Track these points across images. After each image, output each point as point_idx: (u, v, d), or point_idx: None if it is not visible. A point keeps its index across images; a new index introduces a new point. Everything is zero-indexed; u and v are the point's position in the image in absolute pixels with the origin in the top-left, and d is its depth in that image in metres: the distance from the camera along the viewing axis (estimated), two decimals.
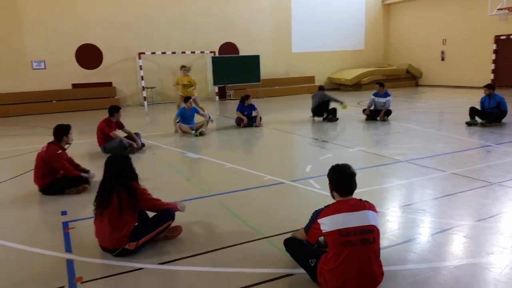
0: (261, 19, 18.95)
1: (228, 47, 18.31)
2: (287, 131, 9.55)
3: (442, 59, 19.82)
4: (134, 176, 3.53)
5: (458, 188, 4.80)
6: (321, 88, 10.92)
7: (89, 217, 4.17)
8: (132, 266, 3.23)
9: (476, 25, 17.94)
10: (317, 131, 9.21)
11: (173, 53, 16.81)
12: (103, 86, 16.17)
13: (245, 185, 5.28)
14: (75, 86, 15.76)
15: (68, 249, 3.60)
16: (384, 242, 3.40)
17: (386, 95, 10.18)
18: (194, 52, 17.32)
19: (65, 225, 4.16)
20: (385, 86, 10.43)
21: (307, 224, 2.90)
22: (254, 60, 17.74)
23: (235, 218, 4.18)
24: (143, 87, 16.48)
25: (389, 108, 10.14)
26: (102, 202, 3.34)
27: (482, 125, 8.71)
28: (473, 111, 8.93)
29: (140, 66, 16.29)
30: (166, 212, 3.62)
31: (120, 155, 3.65)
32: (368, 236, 2.69)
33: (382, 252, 3.00)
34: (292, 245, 3.07)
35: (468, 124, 8.85)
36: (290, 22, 19.77)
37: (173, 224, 3.68)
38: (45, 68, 15.28)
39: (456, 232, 3.67)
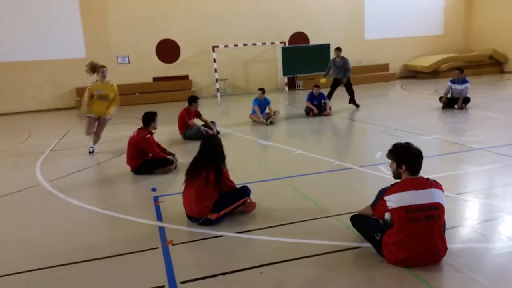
0: (333, 7, 18.80)
1: (299, 37, 18.45)
2: (358, 119, 9.58)
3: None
4: (223, 158, 4.00)
5: None
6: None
7: (176, 193, 4.77)
8: (214, 234, 3.68)
9: None
10: (389, 120, 9.12)
11: (245, 45, 17.38)
12: (180, 79, 17.25)
13: (314, 169, 5.54)
14: (155, 79, 17.02)
15: (159, 218, 4.16)
16: (452, 222, 3.48)
17: (464, 81, 9.74)
18: (264, 44, 17.74)
19: (156, 199, 4.75)
20: (464, 72, 9.97)
21: (373, 201, 3.11)
22: (324, 49, 17.70)
23: (304, 199, 4.48)
24: (216, 79, 17.29)
25: (468, 96, 9.69)
26: (193, 174, 3.86)
27: None
28: None
29: (214, 59, 17.08)
30: (243, 189, 4.04)
31: (216, 137, 4.18)
32: (433, 213, 2.84)
33: (449, 231, 3.12)
34: (359, 220, 3.30)
35: None
36: (363, 8, 19.35)
37: (249, 200, 4.09)
38: (129, 63, 16.69)
39: None
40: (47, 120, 13.71)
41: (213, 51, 17.02)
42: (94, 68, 6.97)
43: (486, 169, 5.07)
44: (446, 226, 3.06)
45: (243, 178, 4.47)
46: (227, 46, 17.23)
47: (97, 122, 7.21)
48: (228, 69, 17.76)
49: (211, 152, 3.93)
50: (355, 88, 11.42)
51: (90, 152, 7.23)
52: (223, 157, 4.01)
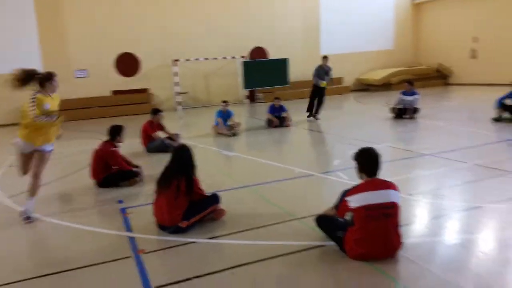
0: (290, 23, 19.47)
1: (258, 52, 18.91)
2: (316, 130, 10.00)
3: (473, 57, 19.66)
4: (194, 168, 4.13)
5: (478, 177, 5.14)
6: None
7: (143, 204, 4.85)
8: (185, 241, 3.80)
9: (507, 22, 17.74)
10: (345, 130, 9.60)
11: (206, 59, 17.59)
12: (140, 92, 17.12)
13: (277, 177, 5.79)
14: (115, 92, 16.79)
15: (129, 229, 4.22)
16: (406, 219, 3.81)
17: (413, 93, 10.45)
18: (225, 58, 18.04)
19: (123, 210, 4.79)
20: (414, 85, 10.71)
21: (336, 201, 3.38)
22: (282, 63, 18.26)
23: (270, 204, 4.70)
24: (177, 92, 17.31)
25: (417, 106, 10.40)
26: (164, 183, 3.95)
27: (509, 120, 8.86)
28: (502, 107, 9.06)
29: (175, 73, 17.14)
30: (213, 197, 4.20)
31: (187, 148, 4.24)
32: (390, 211, 3.15)
33: (403, 227, 3.44)
34: (323, 220, 3.55)
35: (495, 120, 9.01)
36: (319, 25, 20.17)
37: (218, 208, 4.25)
38: (87, 76, 16.39)
39: (469, 212, 4.04)
40: (2, 135, 13.15)
41: (174, 64, 17.08)
42: (30, 77, 4.45)
43: (434, 173, 5.54)
44: (401, 223, 3.37)
45: (211, 187, 4.62)
46: (188, 59, 17.36)
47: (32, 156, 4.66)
48: (189, 82, 17.85)
49: (182, 162, 4.06)
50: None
51: (26, 219, 4.53)
52: (194, 166, 4.15)
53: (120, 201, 5.15)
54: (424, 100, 13.26)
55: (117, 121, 6.68)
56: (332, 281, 3.00)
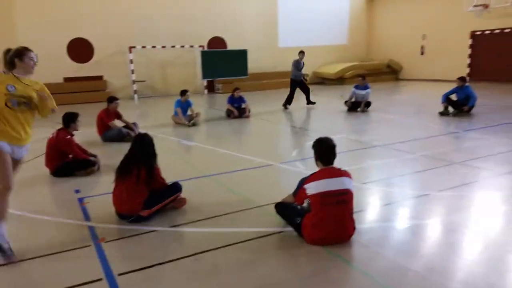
0: (249, 14, 19.51)
1: (217, 42, 18.82)
2: (275, 121, 10.19)
3: (422, 54, 20.70)
4: (155, 156, 4.12)
5: (425, 166, 5.51)
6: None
7: (101, 194, 4.79)
8: (146, 229, 3.82)
9: (453, 21, 18.82)
10: (303, 121, 9.86)
11: (163, 47, 17.26)
12: (94, 80, 16.53)
13: (238, 167, 5.89)
14: (67, 80, 16.10)
15: (88, 218, 4.16)
16: (359, 206, 4.05)
17: (366, 87, 10.89)
18: (183, 46, 17.79)
19: (81, 200, 4.70)
20: (366, 79, 11.16)
21: (295, 189, 3.53)
22: (242, 54, 18.30)
23: (230, 193, 4.80)
24: (133, 80, 16.89)
25: (369, 100, 10.86)
26: (124, 172, 3.93)
27: (454, 115, 9.50)
28: (447, 102, 9.69)
29: (131, 60, 16.69)
30: (175, 186, 4.23)
31: (148, 136, 4.21)
32: (344, 198, 3.34)
33: (357, 214, 3.66)
34: (282, 207, 3.70)
35: (441, 114, 9.62)
36: (277, 17, 20.37)
37: (180, 196, 4.29)
38: (37, 61, 15.57)
39: (418, 200, 4.36)
40: None
41: (130, 51, 16.62)
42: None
43: (385, 163, 5.87)
44: (354, 210, 3.59)
45: (171, 176, 4.64)
46: (144, 47, 16.95)
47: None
48: (146, 71, 17.46)
49: (143, 150, 4.05)
50: (271, 92, 12.07)
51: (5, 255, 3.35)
52: (154, 155, 4.15)
53: (77, 191, 5.04)
54: (375, 94, 13.86)
55: (70, 109, 6.44)
56: (289, 265, 3.15)
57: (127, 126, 8.28)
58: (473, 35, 18.38)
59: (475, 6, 17.27)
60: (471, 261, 3.08)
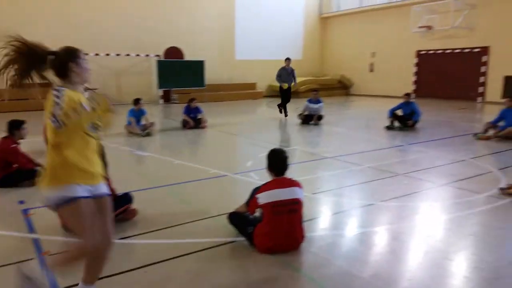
0: (207, 26, 19.60)
1: (174, 51, 18.70)
2: (231, 132, 10.26)
3: (371, 71, 21.73)
4: (106, 165, 4.02)
5: (371, 177, 5.79)
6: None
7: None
8: None
9: (400, 41, 19.95)
10: (258, 133, 10.02)
11: (118, 55, 16.90)
12: (43, 86, 15.80)
13: (192, 177, 5.88)
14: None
15: (32, 230, 3.99)
16: (309, 215, 4.18)
17: (318, 101, 11.28)
18: (139, 55, 17.53)
19: (25, 211, 4.50)
20: (319, 93, 11.56)
21: (247, 199, 3.61)
22: (199, 65, 18.30)
23: (184, 204, 4.79)
24: (85, 88, 16.35)
25: (321, 114, 11.24)
26: None
27: (400, 129, 10.05)
28: (394, 117, 10.24)
29: None
30: (125, 197, 4.16)
31: (100, 145, 4.08)
32: (294, 207, 3.45)
33: (307, 223, 3.78)
34: (234, 217, 3.76)
35: (387, 128, 10.15)
36: (234, 30, 20.62)
37: (130, 208, 4.22)
38: None
39: (364, 209, 4.58)
40: None
41: None
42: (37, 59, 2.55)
43: (335, 174, 6.11)
44: (305, 218, 3.71)
45: (122, 187, 4.56)
46: (97, 54, 16.52)
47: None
48: (99, 79, 16.97)
49: None
50: (227, 103, 12.16)
51: None
52: (106, 165, 4.06)
53: (21, 202, 4.82)
54: (327, 108, 14.34)
55: (17, 116, 6.16)
56: (241, 274, 3.20)
57: None
58: (418, 54, 19.56)
59: (420, 27, 18.44)
60: (413, 267, 3.28)
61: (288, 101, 12.35)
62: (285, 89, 12.19)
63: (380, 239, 3.87)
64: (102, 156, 4.05)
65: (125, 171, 6.39)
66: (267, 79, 21.85)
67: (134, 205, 4.28)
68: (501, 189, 4.98)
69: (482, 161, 6.71)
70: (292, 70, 12.32)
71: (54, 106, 2.28)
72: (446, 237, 3.84)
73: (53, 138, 2.31)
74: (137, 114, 9.69)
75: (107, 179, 3.99)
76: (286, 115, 12.34)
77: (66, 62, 2.53)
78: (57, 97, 2.33)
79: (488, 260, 3.31)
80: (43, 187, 2.44)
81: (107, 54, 16.70)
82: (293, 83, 12.36)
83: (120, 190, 4.26)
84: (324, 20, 23.94)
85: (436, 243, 3.69)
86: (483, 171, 6.09)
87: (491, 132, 8.69)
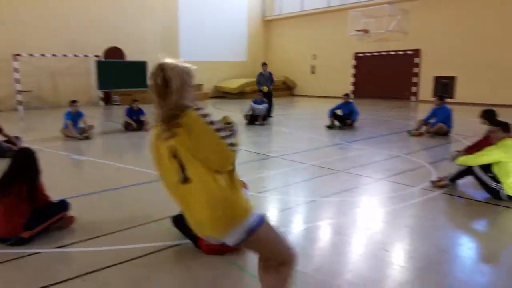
0: (149, 27, 19.14)
1: (114, 52, 18.06)
2: None
3: (313, 72, 22.41)
4: (38, 172, 3.79)
5: (313, 175, 5.96)
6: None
7: None
8: (28, 252, 3.49)
9: (339, 44, 20.76)
10: None
11: (54, 55, 16.01)
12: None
13: (134, 181, 5.69)
14: None
15: None
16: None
17: (263, 102, 11.43)
18: (76, 55, 16.72)
19: None
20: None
21: None
22: (141, 66, 17.80)
23: (125, 208, 4.63)
24: (18, 90, 15.33)
25: (267, 114, 11.39)
26: (3, 190, 3.55)
27: (339, 128, 10.44)
28: (334, 116, 10.62)
29: (15, 69, 15.14)
30: (61, 204, 3.94)
31: (30, 150, 3.86)
32: None
33: None
34: (178, 219, 3.68)
35: (328, 127, 10.51)
36: (178, 31, 20.32)
37: (67, 215, 4.01)
38: None
39: (308, 205, 4.70)
40: None
41: (15, 59, 15.07)
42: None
43: (280, 172, 6.22)
44: None
45: (58, 194, 4.32)
46: (32, 55, 15.53)
47: None
48: (34, 80, 15.99)
49: (25, 165, 3.71)
50: None
51: None
52: (37, 170, 3.83)
53: None
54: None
55: None
56: (186, 277, 3.16)
57: (9, 140, 7.48)
58: (356, 57, 20.45)
59: (357, 30, 19.29)
60: (353, 259, 3.41)
61: (270, 105, 12.42)
62: (265, 92, 12.41)
63: (323, 233, 3.99)
64: (34, 162, 3.82)
65: (61, 177, 6.06)
66: (213, 80, 21.78)
67: (71, 212, 4.08)
68: (432, 182, 5.34)
69: (415, 156, 7.16)
70: (270, 74, 12.76)
71: (215, 127, 2.03)
72: (384, 229, 4.04)
73: (228, 166, 2.08)
74: (74, 116, 9.23)
75: (39, 185, 3.78)
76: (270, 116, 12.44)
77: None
78: (207, 116, 2.06)
79: (421, 249, 3.53)
80: (220, 234, 2.07)
81: (42, 55, 15.76)
82: (266, 87, 12.65)
83: (55, 197, 4.04)
84: (267, 23, 24.30)
85: (374, 235, 3.87)
86: (416, 165, 6.49)
87: (423, 129, 9.28)
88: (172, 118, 1.95)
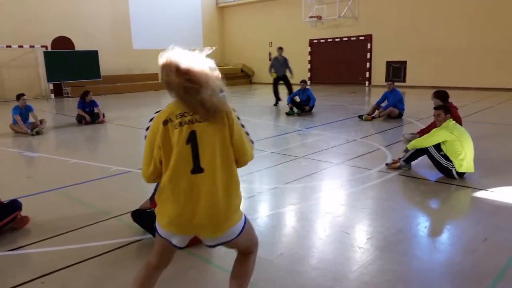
0: (98, 13, 18.35)
1: (62, 41, 17.21)
2: (132, 126, 9.82)
3: (270, 60, 22.44)
4: None
5: (275, 162, 6.02)
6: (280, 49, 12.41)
7: None
8: None
9: (295, 30, 20.89)
10: None
11: None
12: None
13: (91, 176, 5.51)
14: None
15: None
16: None
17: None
18: (22, 46, 15.76)
19: None
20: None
21: (152, 194, 3.49)
22: (92, 56, 17.11)
23: (83, 206, 4.47)
24: None
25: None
26: None
27: (298, 114, 10.58)
28: (292, 103, 10.73)
29: None
30: (12, 204, 3.74)
31: None
32: None
33: None
34: (139, 214, 3.62)
35: (287, 114, 10.62)
36: (129, 19, 19.62)
37: (20, 215, 3.81)
38: None
39: (271, 192, 4.75)
40: None
41: None
42: None
43: None
44: None
45: (9, 194, 4.10)
46: None
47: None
48: None
49: None
50: (126, 96, 11.59)
51: None
52: None
53: None
54: (232, 97, 14.54)
55: None
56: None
57: None
58: (311, 43, 20.69)
59: (310, 17, 19.47)
60: (316, 243, 3.49)
61: (289, 90, 12.14)
62: (274, 78, 12.23)
63: (286, 220, 4.05)
64: None
65: (12, 175, 5.75)
66: None
67: (25, 212, 3.89)
68: (387, 164, 5.55)
69: (371, 140, 7.39)
70: (285, 60, 12.21)
71: (242, 128, 2.14)
72: (344, 212, 4.16)
73: (248, 161, 2.23)
74: (23, 111, 8.75)
75: None
76: (276, 103, 12.52)
77: None
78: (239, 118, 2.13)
79: (379, 230, 3.67)
80: (220, 231, 2.05)
81: None
82: (289, 73, 12.30)
83: (7, 197, 3.83)
84: (221, 10, 23.99)
85: (335, 218, 3.98)
86: (372, 148, 6.72)
87: (376, 113, 9.59)
88: (219, 111, 1.99)
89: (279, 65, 12.43)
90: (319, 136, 7.89)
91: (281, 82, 12.48)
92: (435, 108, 5.29)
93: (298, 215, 4.10)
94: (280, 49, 12.53)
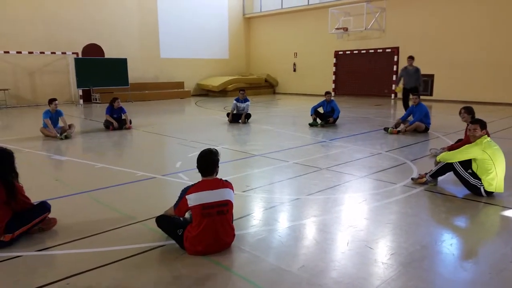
0: (128, 23, 18.88)
1: (93, 49, 17.75)
2: (158, 133, 10.00)
3: (294, 70, 22.51)
4: (15, 173, 3.70)
5: (297, 173, 6.00)
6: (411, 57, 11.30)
7: None
8: (9, 256, 3.42)
9: (320, 42, 20.90)
10: (186, 133, 9.88)
11: (30, 52, 15.62)
12: None
13: (117, 181, 5.63)
14: None
15: None
16: (239, 213, 4.23)
17: (245, 100, 11.43)
18: (54, 53, 16.36)
19: None
20: (246, 92, 11.71)
21: (176, 201, 3.54)
22: (121, 63, 17.57)
23: (109, 210, 4.57)
24: None
25: (249, 112, 11.39)
26: None
27: (321, 125, 10.53)
28: (316, 114, 10.70)
29: None
30: (42, 205, 3.86)
31: (7, 150, 3.76)
32: (223, 209, 3.45)
33: (237, 221, 3.82)
34: (163, 220, 3.67)
35: (310, 125, 10.59)
36: (158, 28, 20.09)
37: (48, 217, 3.94)
38: None
39: (292, 203, 4.74)
40: None
41: None
42: None
43: (263, 171, 6.23)
44: (235, 217, 3.74)
45: (39, 196, 4.24)
46: (7, 52, 15.11)
47: None
48: (11, 78, 15.57)
49: (1, 167, 3.62)
50: (153, 103, 11.82)
51: None
52: (15, 172, 3.74)
53: None
54: (255, 106, 14.62)
55: None
56: (170, 278, 3.13)
57: None
58: (336, 55, 20.63)
59: (337, 28, 19.45)
60: (337, 257, 3.45)
61: (406, 105, 11.05)
62: (403, 90, 11.23)
63: (307, 232, 4.03)
64: (11, 163, 3.73)
65: (42, 178, 5.94)
66: (195, 78, 21.65)
67: (53, 214, 4.01)
68: (413, 179, 5.45)
69: (396, 154, 7.28)
70: (417, 70, 11.12)
71: None
72: (367, 226, 4.10)
73: None
74: (54, 115, 9.05)
75: (18, 187, 3.70)
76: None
77: None
78: None
79: (403, 245, 3.60)
80: None
81: (19, 52, 15.35)
82: (419, 85, 11.14)
83: (36, 199, 3.96)
84: (248, 20, 24.26)
85: (358, 232, 3.92)
86: (397, 162, 6.61)
87: (402, 127, 9.44)
88: None
89: (409, 76, 11.25)
90: (342, 148, 7.83)
91: (411, 95, 10.97)
92: (471, 122, 5.09)
93: (320, 227, 4.06)
94: (411, 58, 11.26)
